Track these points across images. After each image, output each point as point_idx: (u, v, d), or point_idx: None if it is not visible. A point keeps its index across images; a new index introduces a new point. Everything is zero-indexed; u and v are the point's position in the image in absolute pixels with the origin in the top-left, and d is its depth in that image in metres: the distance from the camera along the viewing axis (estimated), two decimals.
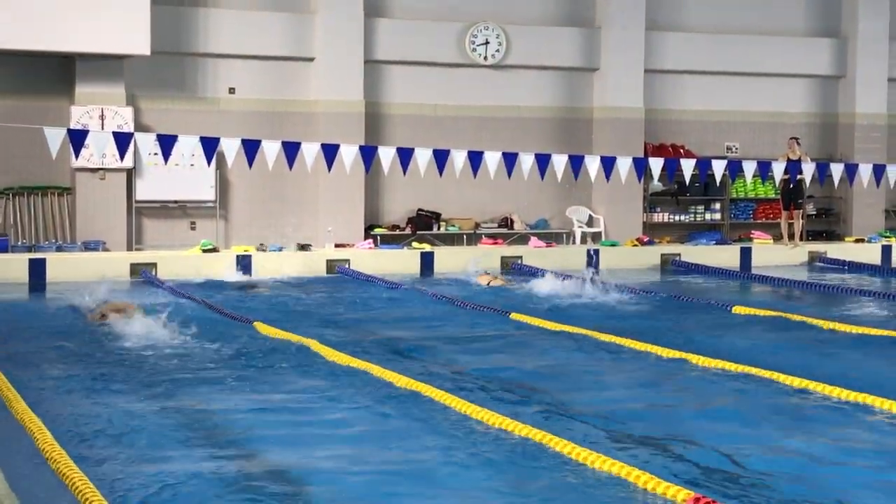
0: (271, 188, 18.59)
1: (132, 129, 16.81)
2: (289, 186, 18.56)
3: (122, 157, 14.53)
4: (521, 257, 18.14)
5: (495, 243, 19.11)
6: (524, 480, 6.16)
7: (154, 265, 16.40)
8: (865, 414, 7.69)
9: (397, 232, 19.48)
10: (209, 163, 14.85)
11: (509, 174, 15.48)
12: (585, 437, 6.91)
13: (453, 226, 19.85)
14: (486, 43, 19.78)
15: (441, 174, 15.53)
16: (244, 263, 17.01)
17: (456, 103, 19.95)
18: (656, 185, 20.64)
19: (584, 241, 20.04)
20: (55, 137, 13.17)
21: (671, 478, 5.97)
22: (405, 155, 15.20)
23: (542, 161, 15.59)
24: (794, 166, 18.11)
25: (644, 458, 6.51)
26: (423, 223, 19.63)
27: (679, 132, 21.27)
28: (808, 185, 19.22)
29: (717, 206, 21.58)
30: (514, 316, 12.27)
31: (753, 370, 9.02)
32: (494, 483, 6.08)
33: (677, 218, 21.31)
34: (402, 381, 8.54)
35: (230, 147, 14.29)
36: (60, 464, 6.05)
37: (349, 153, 14.91)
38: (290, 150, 14.38)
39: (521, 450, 6.70)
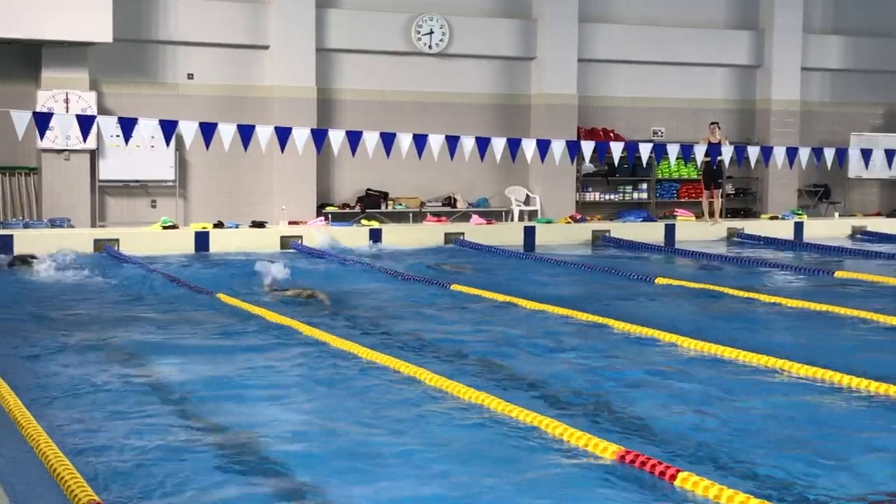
0: (228, 168, 18.44)
1: (95, 113, 16.56)
2: (245, 167, 18.41)
3: (85, 138, 14.36)
4: (463, 233, 18.16)
5: (439, 221, 19.11)
6: (462, 438, 6.18)
7: (117, 241, 16.19)
8: (775, 377, 7.81)
9: (347, 210, 19.42)
10: (168, 144, 14.68)
11: (452, 156, 15.50)
12: (520, 398, 6.94)
13: (400, 204, 19.83)
14: (431, 33, 19.72)
15: (388, 156, 15.53)
16: (202, 239, 16.87)
17: (402, 89, 19.88)
18: (588, 166, 20.75)
19: (521, 218, 20.11)
20: (22, 120, 12.98)
21: (601, 433, 6.01)
22: (354, 138, 15.16)
23: (483, 144, 15.63)
24: (714, 149, 18.29)
25: (576, 416, 6.55)
26: (372, 202, 19.59)
27: (609, 117, 21.37)
28: (727, 166, 19.46)
29: (644, 186, 21.76)
30: (454, 287, 12.28)
31: (674, 336, 9.12)
32: (436, 442, 6.09)
33: (607, 197, 21.45)
34: (354, 348, 8.54)
35: (188, 130, 14.16)
36: (29, 430, 5.98)
37: (301, 136, 14.84)
38: (245, 132, 14.28)
39: (460, 409, 6.73)
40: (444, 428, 6.38)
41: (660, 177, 21.84)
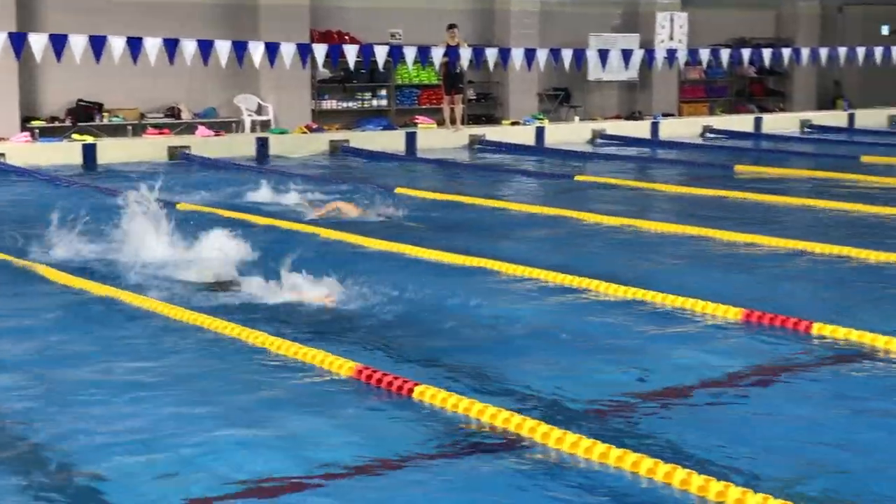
0: None
1: None
2: None
3: None
4: (189, 147, 17.61)
5: (162, 133, 18.47)
6: (196, 363, 6.05)
7: None
8: (519, 284, 8.04)
9: (57, 124, 18.44)
10: None
11: (171, 60, 14.95)
12: (249, 320, 6.83)
13: (117, 116, 19.01)
14: None
15: (98, 61, 14.81)
16: None
17: None
18: (323, 72, 20.55)
19: (253, 129, 19.73)
20: None
21: (337, 351, 6.01)
22: (59, 42, 14.39)
23: (205, 47, 15.16)
24: (453, 52, 18.49)
25: (310, 334, 6.50)
26: (85, 114, 18.69)
27: (344, 19, 21.17)
28: (465, 69, 19.70)
29: (384, 92, 21.81)
30: (180, 206, 11.89)
31: (415, 248, 9.22)
32: (168, 368, 5.92)
33: (346, 105, 21.37)
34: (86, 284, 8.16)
35: None
36: None
37: None
38: None
39: (188, 333, 6.57)
40: (175, 354, 6.23)
41: (399, 83, 21.93)
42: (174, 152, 17.42)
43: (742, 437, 4.83)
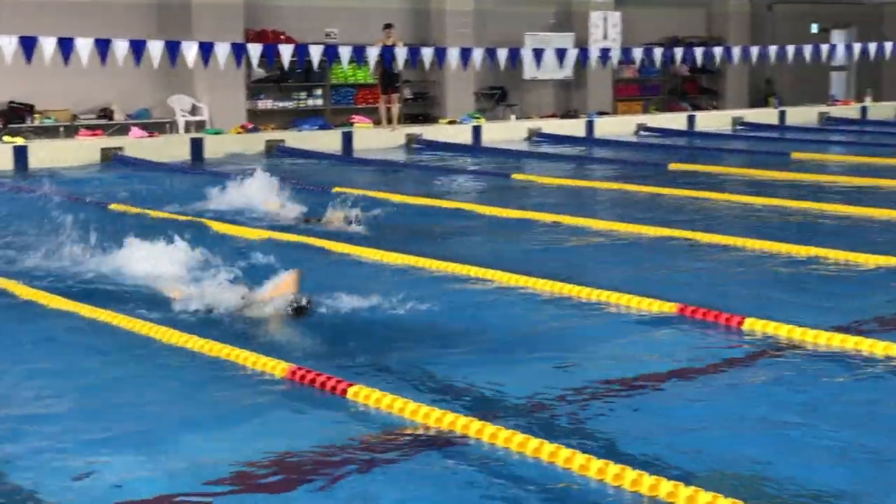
0: None
1: None
2: None
3: None
4: (122, 148, 17.38)
5: (94, 135, 18.20)
6: (134, 369, 5.96)
7: None
8: (457, 281, 8.03)
9: None
10: None
11: (103, 61, 14.75)
12: (174, 322, 6.75)
13: (49, 118, 18.71)
14: None
15: (29, 61, 14.56)
16: None
17: None
18: (258, 71, 20.39)
19: (188, 129, 19.52)
20: None
21: (271, 353, 5.94)
22: None
23: (138, 47, 14.98)
24: (388, 51, 18.43)
25: (241, 338, 6.43)
26: (16, 116, 18.38)
27: (279, 18, 21.03)
28: (401, 68, 19.67)
29: (320, 91, 21.72)
30: (113, 206, 11.72)
31: (350, 247, 9.17)
32: (100, 376, 5.83)
33: (281, 104, 21.24)
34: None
35: None
36: None
37: None
38: None
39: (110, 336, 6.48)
40: (104, 356, 6.13)
41: (335, 82, 21.83)
42: (107, 154, 17.18)
43: (675, 431, 4.85)
